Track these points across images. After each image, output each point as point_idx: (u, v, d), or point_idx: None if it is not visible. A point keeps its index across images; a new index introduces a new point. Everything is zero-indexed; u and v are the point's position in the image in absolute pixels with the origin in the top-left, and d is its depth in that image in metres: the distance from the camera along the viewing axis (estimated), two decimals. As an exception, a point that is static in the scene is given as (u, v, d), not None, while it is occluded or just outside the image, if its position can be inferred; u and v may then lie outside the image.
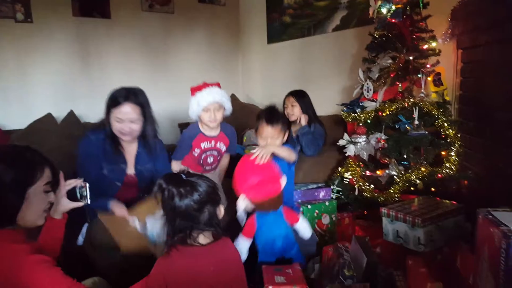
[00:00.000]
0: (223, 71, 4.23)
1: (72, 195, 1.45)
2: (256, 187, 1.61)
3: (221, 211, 1.32)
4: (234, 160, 3.03)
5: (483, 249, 1.21)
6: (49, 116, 3.15)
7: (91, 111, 3.35)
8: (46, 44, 3.29)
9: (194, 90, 2.21)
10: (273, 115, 1.85)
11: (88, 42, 3.52)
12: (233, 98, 4.10)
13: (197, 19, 4.03)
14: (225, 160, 2.48)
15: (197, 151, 2.28)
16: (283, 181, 1.66)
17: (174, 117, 3.76)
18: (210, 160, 2.34)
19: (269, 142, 1.82)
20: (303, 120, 2.69)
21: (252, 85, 4.26)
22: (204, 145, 2.27)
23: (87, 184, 1.46)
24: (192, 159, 2.31)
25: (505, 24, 1.80)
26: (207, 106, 2.16)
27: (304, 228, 1.76)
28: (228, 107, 2.25)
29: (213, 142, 2.28)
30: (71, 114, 3.26)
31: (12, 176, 1.13)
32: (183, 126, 3.26)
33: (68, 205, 1.44)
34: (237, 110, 3.96)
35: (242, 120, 3.72)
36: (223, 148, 2.35)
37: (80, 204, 1.46)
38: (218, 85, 2.24)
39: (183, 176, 1.27)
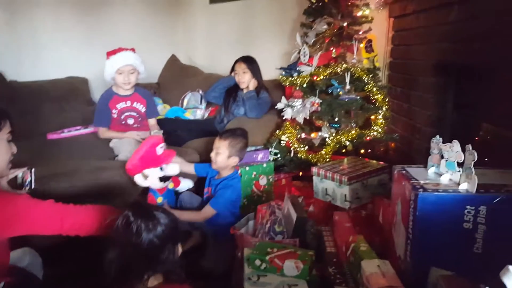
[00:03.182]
0: (163, 31, 4.06)
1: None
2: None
3: (178, 250, 1.16)
4: (177, 122, 3.05)
5: (397, 201, 1.33)
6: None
7: (19, 69, 3.12)
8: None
9: (109, 54, 2.35)
10: (228, 130, 2.06)
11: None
12: (174, 59, 3.98)
13: (135, -27, 3.78)
14: (153, 125, 2.58)
15: (115, 113, 2.41)
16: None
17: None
18: (130, 121, 2.45)
19: (214, 155, 1.97)
20: (251, 85, 2.72)
21: (194, 46, 4.14)
22: (120, 105, 2.41)
23: (33, 169, 1.46)
24: (113, 121, 2.42)
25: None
26: (121, 68, 2.32)
27: None
28: (142, 70, 2.40)
29: (128, 102, 2.42)
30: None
31: None
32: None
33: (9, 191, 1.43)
34: (178, 71, 3.88)
35: (183, 82, 3.64)
36: (142, 109, 2.47)
37: (22, 192, 1.46)
38: (133, 50, 2.38)
39: (145, 208, 1.13)
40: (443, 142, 1.27)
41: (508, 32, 1.36)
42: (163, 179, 1.91)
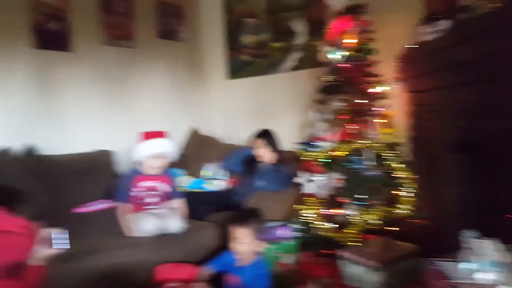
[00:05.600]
0: (184, 105, 4.23)
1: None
2: None
3: None
4: (198, 195, 3.06)
5: (431, 300, 1.26)
6: (6, 150, 2.97)
7: (49, 143, 3.21)
8: (5, 76, 3.14)
9: (144, 137, 2.35)
10: (241, 216, 1.95)
11: (47, 75, 3.41)
12: (194, 130, 4.11)
13: (158, 54, 4.02)
14: (179, 205, 2.53)
15: (138, 190, 2.37)
16: None
17: (130, 150, 3.68)
18: (153, 199, 2.40)
19: (236, 245, 1.90)
20: (271, 158, 2.74)
21: (213, 118, 4.29)
22: (144, 184, 2.38)
23: (66, 231, 1.46)
24: (135, 199, 2.38)
25: (441, 73, 1.95)
26: (152, 155, 2.31)
27: None
28: (172, 156, 2.43)
29: (153, 181, 2.39)
30: (30, 147, 3.09)
31: None
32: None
33: (44, 252, 1.44)
34: (197, 143, 3.98)
35: (202, 154, 3.71)
36: (165, 189, 2.44)
37: (56, 251, 1.46)
38: (166, 134, 2.39)
39: None
40: (472, 229, 1.23)
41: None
42: None
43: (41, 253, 1.44)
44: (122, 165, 3.75)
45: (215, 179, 3.41)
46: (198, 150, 3.84)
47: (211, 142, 3.87)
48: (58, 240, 1.46)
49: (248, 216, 1.96)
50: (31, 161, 3.00)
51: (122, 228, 2.33)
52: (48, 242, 1.46)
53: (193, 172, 3.56)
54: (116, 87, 3.81)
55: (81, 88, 3.60)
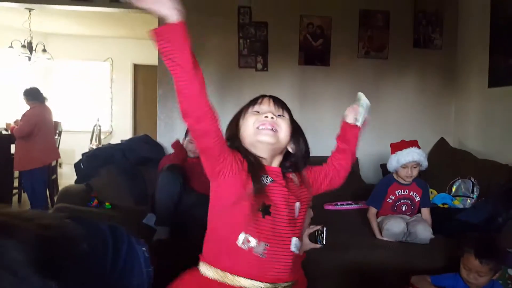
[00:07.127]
0: (433, 115, 4.12)
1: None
2: None
3: None
4: (446, 211, 2.95)
5: None
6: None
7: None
8: (276, 88, 3.87)
9: (395, 149, 2.48)
10: (486, 250, 1.75)
11: (307, 86, 4.02)
12: (442, 142, 3.94)
13: (409, 63, 4.07)
14: (426, 215, 2.56)
15: (391, 198, 2.53)
16: None
17: (377, 157, 3.87)
18: (403, 208, 2.54)
19: (473, 278, 1.77)
20: None
21: (465, 130, 3.97)
22: (398, 192, 2.52)
23: (325, 228, 1.50)
24: (386, 205, 2.54)
25: None
26: (406, 164, 2.42)
27: None
28: (425, 165, 2.49)
29: (406, 190, 2.52)
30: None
31: None
32: (385, 167, 3.34)
33: (308, 245, 1.54)
34: (446, 155, 3.79)
35: (451, 167, 3.52)
36: (417, 198, 2.53)
37: (317, 246, 1.54)
38: (417, 143, 2.48)
39: None
40: None
41: None
42: None
43: (307, 245, 1.54)
44: (365, 171, 3.99)
45: (465, 196, 3.19)
46: (445, 163, 3.65)
47: (462, 156, 3.62)
48: (322, 236, 1.50)
49: (494, 249, 1.76)
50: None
51: (373, 230, 2.53)
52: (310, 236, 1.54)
53: (436, 185, 3.42)
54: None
55: (333, 98, 4.03)
